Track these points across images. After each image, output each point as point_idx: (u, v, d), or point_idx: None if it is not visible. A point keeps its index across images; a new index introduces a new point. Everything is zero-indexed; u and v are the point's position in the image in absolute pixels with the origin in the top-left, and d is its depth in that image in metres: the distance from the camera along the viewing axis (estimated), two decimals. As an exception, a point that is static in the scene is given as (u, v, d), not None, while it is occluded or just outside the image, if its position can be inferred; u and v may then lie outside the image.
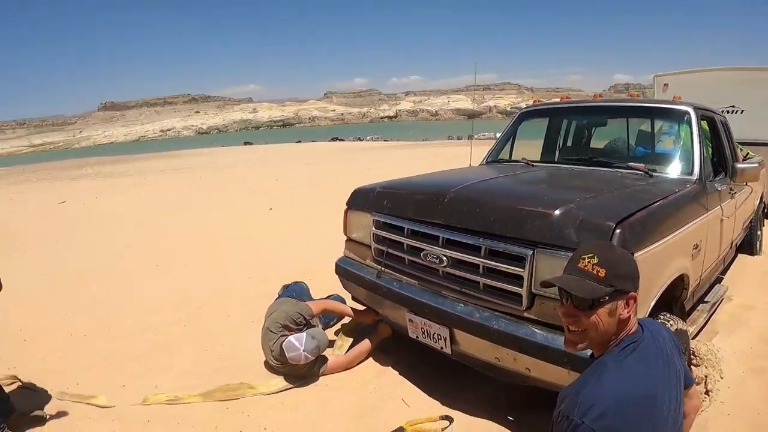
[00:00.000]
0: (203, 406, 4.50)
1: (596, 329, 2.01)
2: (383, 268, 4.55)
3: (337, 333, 5.55)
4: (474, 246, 3.68)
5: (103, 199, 19.58)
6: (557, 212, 3.37)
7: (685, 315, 4.30)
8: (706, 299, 5.26)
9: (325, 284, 6.24)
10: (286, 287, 6.04)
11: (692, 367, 4.38)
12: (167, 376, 5.04)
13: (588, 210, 3.41)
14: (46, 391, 4.80)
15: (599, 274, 1.98)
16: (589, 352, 2.20)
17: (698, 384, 4.15)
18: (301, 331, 4.79)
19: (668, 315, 3.64)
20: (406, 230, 4.25)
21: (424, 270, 4.15)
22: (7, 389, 4.48)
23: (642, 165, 4.85)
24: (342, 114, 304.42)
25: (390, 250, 4.47)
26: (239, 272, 8.34)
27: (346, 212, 5.07)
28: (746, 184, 5.93)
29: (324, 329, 5.30)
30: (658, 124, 5.70)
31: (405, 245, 4.29)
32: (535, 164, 5.57)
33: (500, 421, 3.99)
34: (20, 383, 4.93)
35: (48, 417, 4.37)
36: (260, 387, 4.72)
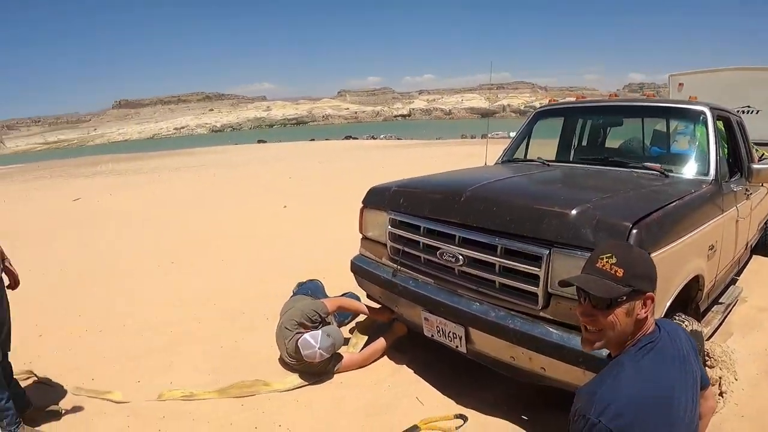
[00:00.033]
0: (218, 402, 4.52)
1: (613, 329, 2.02)
2: (399, 267, 4.56)
3: (351, 331, 5.54)
4: (490, 245, 3.69)
5: (117, 196, 19.66)
6: (574, 212, 3.37)
7: (699, 316, 4.29)
8: (720, 300, 5.24)
9: (339, 282, 6.26)
10: (301, 285, 6.07)
11: (706, 368, 4.37)
12: (182, 372, 5.06)
13: (605, 210, 3.42)
14: (62, 386, 4.84)
15: (617, 273, 1.98)
16: (605, 351, 2.21)
17: (712, 385, 4.14)
18: (316, 328, 4.81)
19: (683, 316, 3.63)
20: (422, 229, 4.26)
21: (440, 269, 4.16)
22: (23, 384, 4.53)
23: (658, 165, 4.83)
24: (355, 112, 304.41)
25: (406, 249, 4.48)
26: (253, 270, 8.38)
27: (361, 211, 5.08)
28: (762, 185, 5.90)
29: (339, 327, 5.31)
30: (673, 124, 5.68)
31: (421, 244, 4.30)
32: (550, 164, 5.57)
33: (514, 420, 3.98)
34: (36, 378, 4.98)
35: (63, 412, 4.40)
36: (275, 384, 4.73)
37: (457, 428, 3.94)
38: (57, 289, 7.91)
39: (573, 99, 7.23)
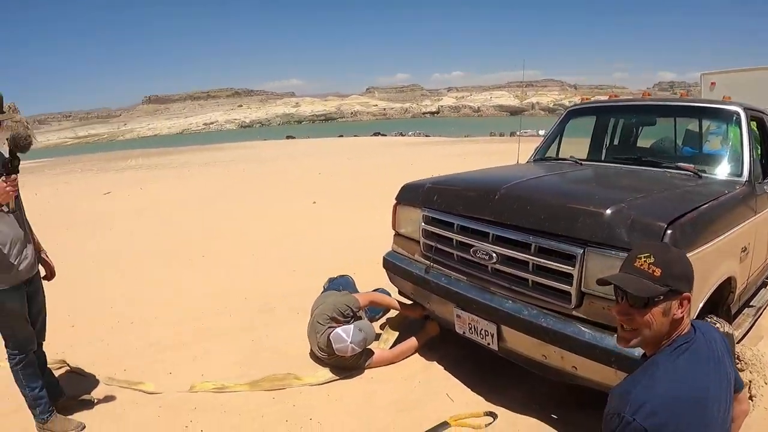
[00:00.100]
0: (249, 395, 4.57)
1: (650, 328, 2.02)
2: (432, 264, 4.58)
3: (383, 327, 5.56)
4: (524, 243, 3.69)
5: (148, 190, 19.84)
6: (609, 211, 3.37)
7: (731, 318, 4.26)
8: (751, 303, 5.19)
9: (369, 278, 6.28)
10: (332, 280, 6.10)
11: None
12: (213, 365, 5.12)
13: (639, 210, 3.40)
14: (94, 376, 4.93)
15: (655, 273, 1.99)
16: (637, 352, 2.22)
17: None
18: (348, 323, 4.84)
19: (715, 318, 3.62)
20: (455, 226, 4.27)
21: (473, 266, 4.17)
22: (56, 373, 4.63)
23: (691, 165, 4.80)
24: (384, 109, 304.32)
25: (439, 246, 4.49)
26: (283, 264, 8.43)
27: (395, 207, 5.10)
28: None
29: (370, 322, 5.32)
30: (705, 124, 5.62)
31: (454, 241, 4.31)
32: (583, 163, 5.55)
33: (544, 418, 3.98)
34: (68, 368, 5.08)
35: (96, 401, 4.48)
36: (306, 378, 4.77)
37: (486, 425, 3.95)
38: (88, 281, 8.05)
39: (604, 98, 7.18)
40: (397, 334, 5.33)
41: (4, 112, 3.60)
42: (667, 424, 1.84)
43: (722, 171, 4.79)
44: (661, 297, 1.98)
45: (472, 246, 4.09)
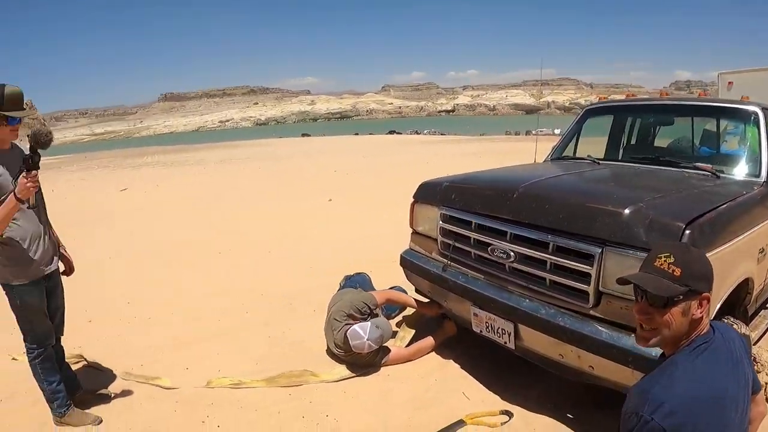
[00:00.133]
0: (266, 391, 4.59)
1: (669, 328, 2.01)
2: (449, 262, 4.59)
3: (399, 324, 5.56)
4: (542, 242, 3.70)
5: (164, 187, 19.94)
6: (627, 211, 3.36)
7: (748, 320, 4.25)
8: (768, 305, 5.18)
9: (385, 275, 6.29)
10: (348, 278, 6.11)
11: (752, 373, 4.33)
12: (230, 360, 5.14)
13: (657, 210, 3.40)
14: (111, 371, 4.98)
15: (675, 273, 1.98)
16: (654, 352, 2.22)
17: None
18: (365, 320, 4.85)
19: (732, 319, 3.60)
20: (473, 224, 4.27)
21: (490, 264, 4.17)
22: (73, 368, 4.67)
23: (709, 166, 4.76)
24: (399, 107, 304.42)
25: (456, 244, 4.50)
26: (300, 261, 8.47)
27: (412, 205, 5.10)
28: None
29: (386, 320, 5.33)
30: (723, 123, 5.58)
31: (472, 239, 4.31)
32: (600, 162, 5.54)
33: (560, 418, 3.98)
34: (86, 362, 5.12)
35: (113, 395, 4.52)
36: (323, 375, 4.79)
37: (502, 424, 3.95)
38: (105, 276, 8.12)
39: (621, 96, 7.15)
40: (413, 332, 5.33)
41: (25, 109, 3.63)
42: (685, 423, 1.84)
43: (740, 171, 4.75)
44: (681, 297, 1.97)
45: (490, 244, 4.10)
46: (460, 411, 4.12)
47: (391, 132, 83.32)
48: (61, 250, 4.22)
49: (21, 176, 3.41)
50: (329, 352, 5.10)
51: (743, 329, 3.60)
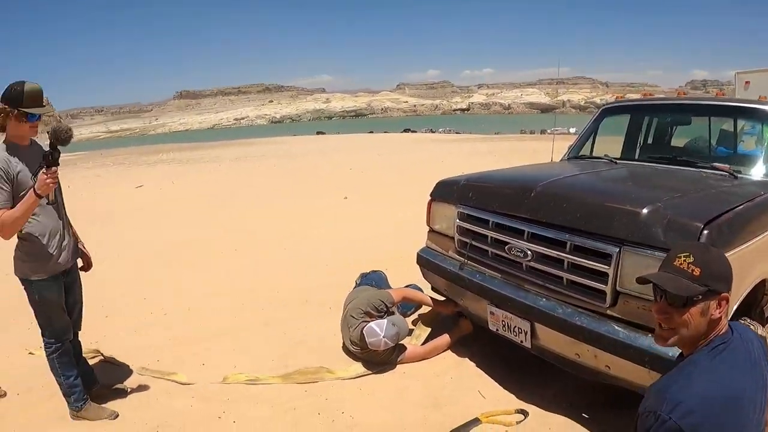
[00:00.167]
0: (282, 387, 4.61)
1: (687, 327, 2.01)
2: (466, 260, 4.59)
3: (415, 322, 5.57)
4: (559, 241, 3.70)
5: (179, 184, 20.02)
6: (645, 211, 3.36)
7: (764, 321, 4.23)
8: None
9: (401, 273, 6.32)
10: (364, 276, 6.13)
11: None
12: (246, 357, 5.17)
13: (676, 209, 3.39)
14: (128, 366, 5.03)
15: (694, 273, 1.98)
16: (670, 351, 2.22)
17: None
18: (381, 318, 4.86)
19: (748, 320, 3.59)
20: (490, 223, 4.28)
21: (507, 263, 4.18)
22: (90, 362, 4.70)
23: (726, 166, 4.73)
24: (414, 105, 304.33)
25: (474, 243, 4.51)
26: (315, 259, 8.48)
27: (429, 204, 5.11)
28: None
29: (403, 318, 5.31)
30: (740, 123, 5.56)
31: (489, 238, 4.32)
32: (618, 161, 5.53)
33: (575, 417, 3.98)
34: (102, 357, 5.16)
35: (129, 390, 4.56)
36: (339, 372, 4.81)
37: (517, 423, 3.95)
38: (121, 272, 8.18)
39: (636, 96, 7.12)
40: (429, 330, 5.33)
41: (44, 106, 3.67)
42: (703, 423, 1.84)
43: (758, 172, 4.71)
44: (700, 297, 1.97)
45: (507, 243, 4.10)
46: (476, 409, 4.12)
47: (406, 130, 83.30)
48: (80, 246, 4.27)
49: (41, 172, 3.45)
50: (345, 349, 5.12)
51: (760, 330, 3.58)
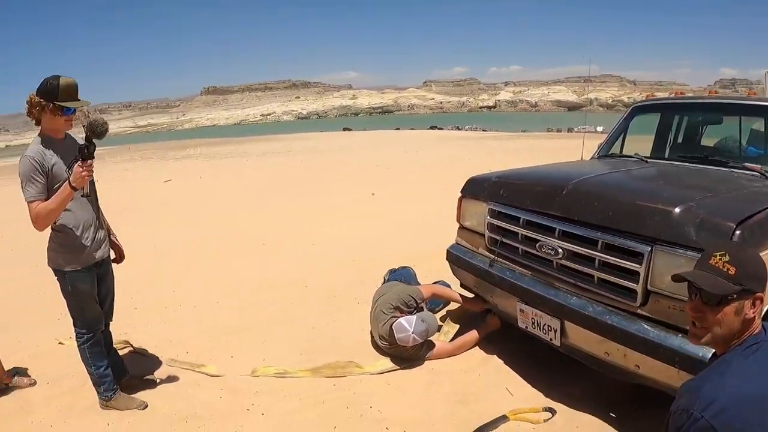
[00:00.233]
0: (311, 381, 4.65)
1: (721, 326, 2.01)
2: (496, 257, 4.60)
3: (443, 319, 5.60)
4: (591, 239, 3.69)
5: (207, 179, 20.17)
6: (678, 210, 3.34)
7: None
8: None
9: (429, 269, 6.34)
10: (392, 271, 6.16)
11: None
12: (275, 350, 5.22)
13: (708, 209, 3.37)
14: (157, 357, 5.11)
15: (729, 271, 1.98)
16: (701, 351, 2.21)
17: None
18: (411, 314, 4.88)
19: (776, 323, 3.58)
20: (521, 220, 4.28)
21: (538, 261, 4.18)
22: (120, 353, 4.77)
23: (758, 166, 4.68)
24: (441, 102, 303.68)
25: (504, 240, 4.51)
26: (344, 254, 8.52)
27: (460, 200, 5.12)
28: None
29: (432, 314, 5.32)
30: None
31: (520, 235, 4.32)
32: (648, 160, 5.50)
33: (603, 416, 3.96)
34: (132, 348, 5.24)
35: (159, 381, 4.64)
36: (367, 366, 4.83)
37: (545, 421, 3.95)
38: (151, 265, 8.29)
39: (665, 94, 7.06)
40: (457, 327, 5.35)
41: (79, 100, 3.72)
42: (735, 422, 1.83)
43: (788, 172, 4.69)
44: (735, 296, 1.97)
45: (538, 241, 4.10)
46: (503, 406, 4.12)
47: (432, 127, 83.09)
48: (112, 238, 4.34)
49: (76, 165, 3.50)
50: (374, 344, 5.15)
51: (790, 333, 3.56)
